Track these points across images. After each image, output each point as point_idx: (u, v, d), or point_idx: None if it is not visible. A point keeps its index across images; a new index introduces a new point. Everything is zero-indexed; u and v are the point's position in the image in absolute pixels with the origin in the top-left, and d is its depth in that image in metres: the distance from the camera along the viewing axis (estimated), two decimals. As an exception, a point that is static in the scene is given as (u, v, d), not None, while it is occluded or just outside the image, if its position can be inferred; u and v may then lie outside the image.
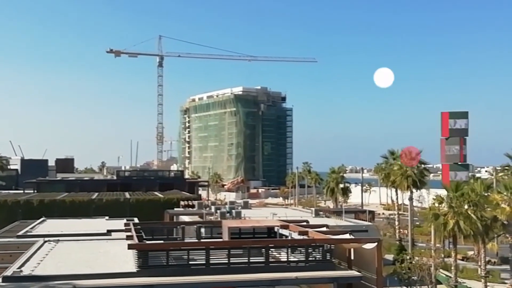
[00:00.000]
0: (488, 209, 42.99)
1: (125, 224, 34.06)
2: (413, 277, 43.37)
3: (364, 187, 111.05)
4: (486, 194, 45.32)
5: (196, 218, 49.15)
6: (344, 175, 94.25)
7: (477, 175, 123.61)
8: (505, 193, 45.77)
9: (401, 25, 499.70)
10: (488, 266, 49.34)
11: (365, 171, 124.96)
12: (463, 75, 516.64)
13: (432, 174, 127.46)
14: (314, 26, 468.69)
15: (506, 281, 48.43)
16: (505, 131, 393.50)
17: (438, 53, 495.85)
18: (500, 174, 61.33)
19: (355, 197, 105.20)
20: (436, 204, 45.32)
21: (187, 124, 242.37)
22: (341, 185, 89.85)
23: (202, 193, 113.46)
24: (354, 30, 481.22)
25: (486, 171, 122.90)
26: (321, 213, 58.76)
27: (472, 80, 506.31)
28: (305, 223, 35.64)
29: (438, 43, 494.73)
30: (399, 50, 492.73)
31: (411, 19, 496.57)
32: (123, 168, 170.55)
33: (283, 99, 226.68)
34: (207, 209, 56.16)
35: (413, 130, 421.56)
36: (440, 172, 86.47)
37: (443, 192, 47.43)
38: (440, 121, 71.73)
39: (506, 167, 58.06)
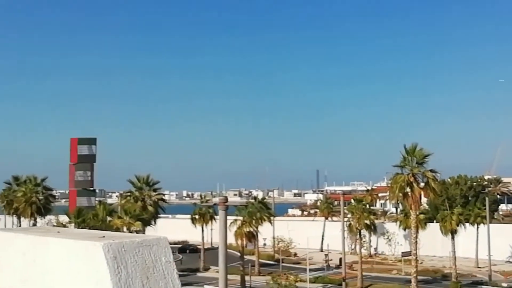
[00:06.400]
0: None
1: None
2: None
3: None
4: (109, 219, 46.41)
5: None
6: None
7: (109, 200, 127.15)
8: (125, 217, 47.68)
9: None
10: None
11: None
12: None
13: (64, 200, 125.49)
14: None
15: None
16: (136, 155, 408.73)
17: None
18: (124, 201, 63.60)
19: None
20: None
21: None
22: None
23: None
24: None
25: (116, 196, 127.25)
26: None
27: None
28: None
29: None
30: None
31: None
32: None
33: None
34: None
35: (41, 155, 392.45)
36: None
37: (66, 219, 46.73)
38: (69, 147, 71.14)
39: (128, 193, 60.54)
